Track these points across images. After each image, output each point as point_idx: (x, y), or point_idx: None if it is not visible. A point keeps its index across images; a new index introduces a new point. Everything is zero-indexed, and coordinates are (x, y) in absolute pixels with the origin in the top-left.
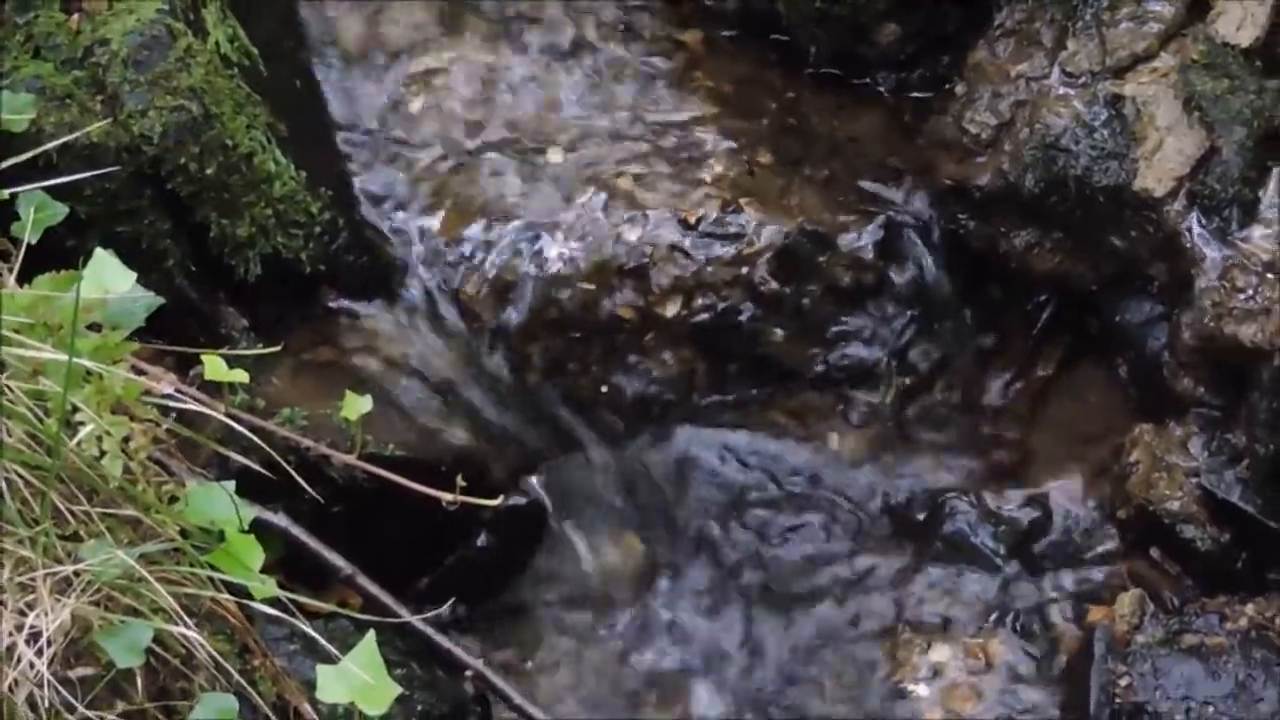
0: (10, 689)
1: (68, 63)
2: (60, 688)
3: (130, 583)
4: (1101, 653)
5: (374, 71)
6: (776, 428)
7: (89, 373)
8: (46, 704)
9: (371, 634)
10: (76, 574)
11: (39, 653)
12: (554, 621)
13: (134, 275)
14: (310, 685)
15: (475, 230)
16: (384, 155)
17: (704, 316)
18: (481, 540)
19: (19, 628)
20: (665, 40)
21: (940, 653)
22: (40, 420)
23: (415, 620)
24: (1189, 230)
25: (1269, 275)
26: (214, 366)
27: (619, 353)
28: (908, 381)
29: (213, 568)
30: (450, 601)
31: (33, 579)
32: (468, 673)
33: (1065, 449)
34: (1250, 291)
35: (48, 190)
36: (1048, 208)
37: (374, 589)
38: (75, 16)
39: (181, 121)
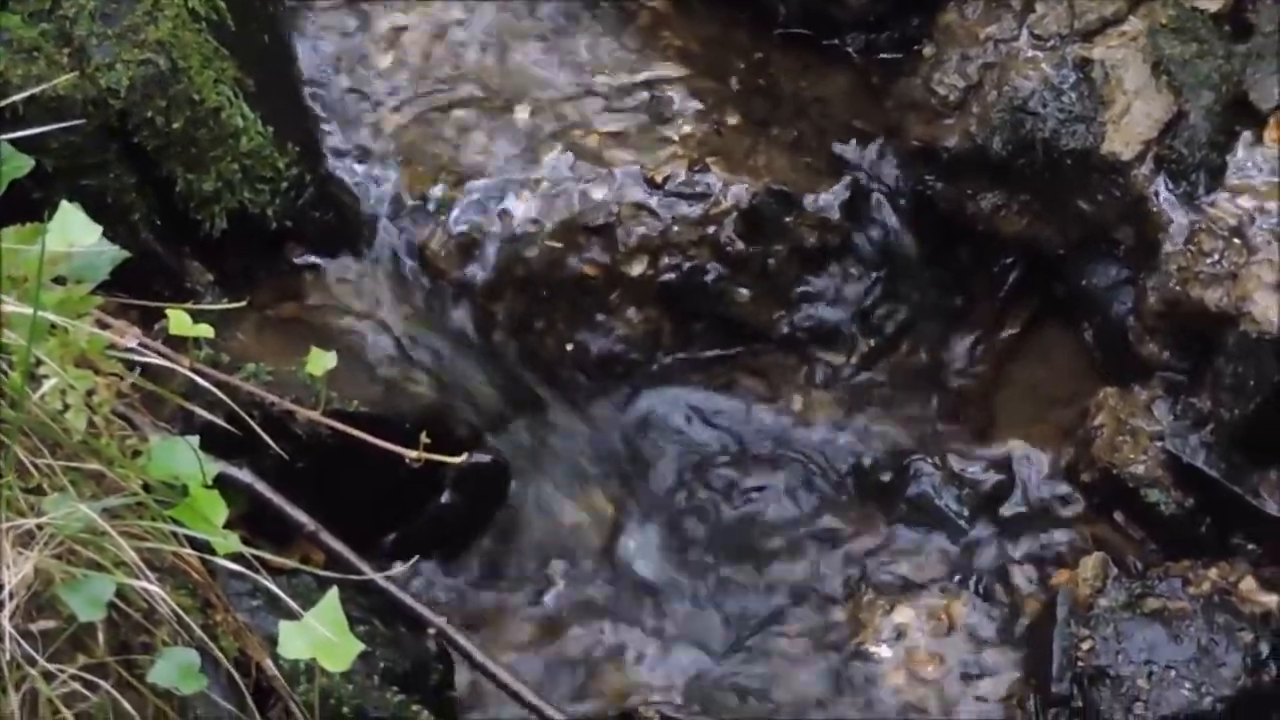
0: None
1: (35, 15)
2: (21, 640)
3: (93, 536)
4: (1064, 616)
5: (342, 27)
6: (741, 388)
7: (53, 326)
8: (8, 656)
9: (334, 590)
10: (39, 527)
11: (0, 606)
12: (517, 579)
13: (99, 229)
14: (272, 641)
15: (442, 187)
16: (351, 111)
17: (670, 276)
18: (445, 497)
19: None
20: None
21: (903, 614)
22: (4, 373)
23: (378, 577)
24: (1156, 194)
25: (1235, 240)
26: (179, 321)
27: (584, 311)
28: (873, 343)
29: (176, 522)
30: (414, 559)
31: None
32: (430, 630)
33: (1030, 412)
34: (1216, 256)
35: (14, 143)
36: (1015, 170)
37: (337, 545)
38: None
39: (149, 75)
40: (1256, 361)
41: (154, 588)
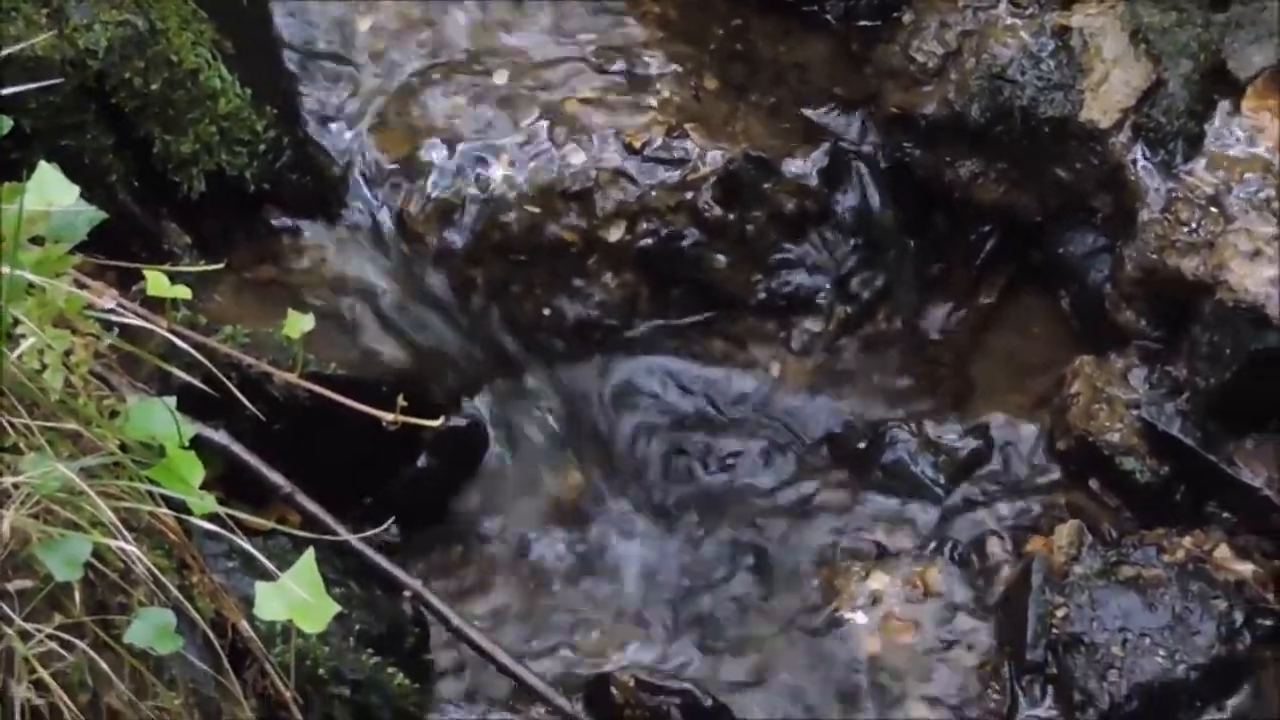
0: None
1: None
2: None
3: (70, 496)
4: (1039, 583)
5: None
6: (718, 354)
7: (31, 285)
8: None
9: (310, 551)
10: (16, 486)
11: None
12: (493, 544)
13: (77, 189)
14: (248, 602)
15: (420, 151)
16: (330, 75)
17: (647, 241)
18: (422, 461)
19: None
20: None
21: (878, 581)
22: None
23: (354, 539)
24: (1134, 163)
25: (1212, 209)
26: (156, 282)
27: (562, 276)
28: (850, 310)
29: (152, 483)
30: (389, 521)
31: None
32: (406, 593)
33: (1006, 380)
34: (1193, 225)
35: None
36: (993, 138)
37: (313, 507)
38: None
39: (127, 36)
40: (1232, 330)
41: (131, 548)
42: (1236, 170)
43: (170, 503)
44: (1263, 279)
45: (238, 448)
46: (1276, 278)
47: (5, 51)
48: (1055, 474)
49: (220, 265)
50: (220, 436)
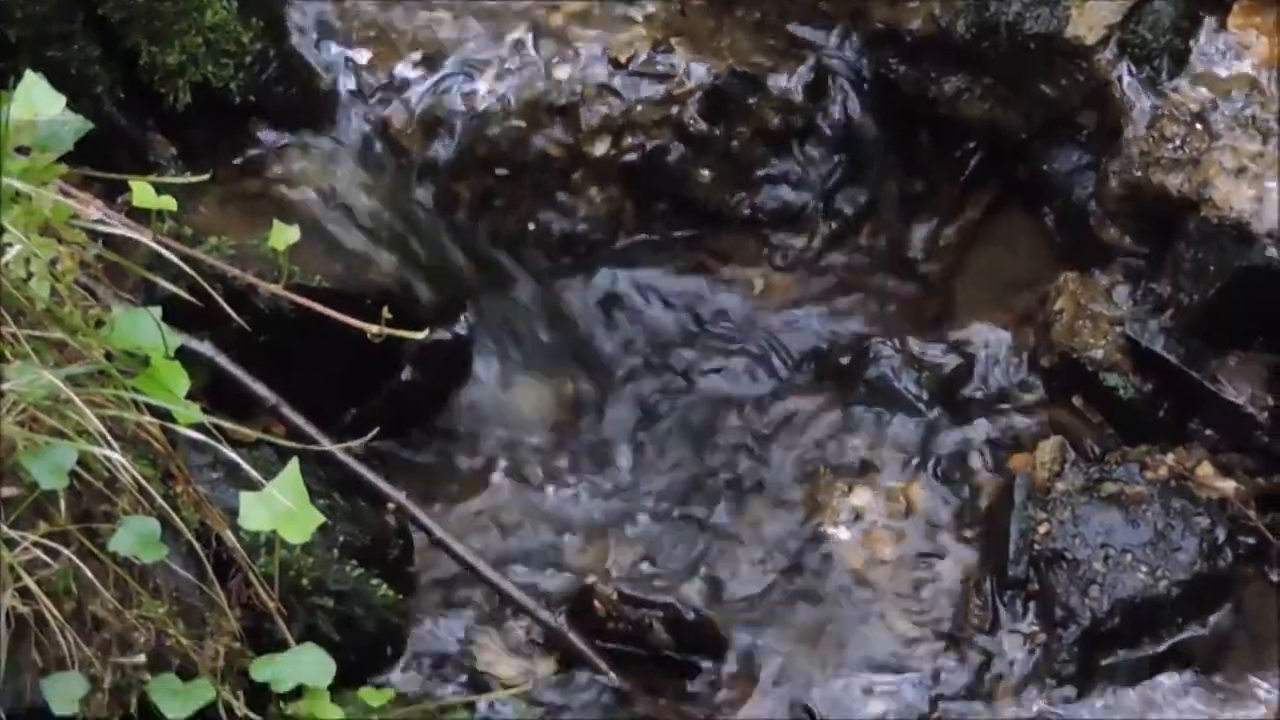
0: None
1: None
2: None
3: (56, 404)
4: (1021, 499)
5: None
6: (702, 269)
7: (17, 193)
8: None
9: (295, 461)
10: (2, 394)
11: None
12: (477, 456)
13: (63, 99)
14: (233, 514)
15: (405, 65)
16: None
17: (632, 156)
18: (406, 374)
19: None
20: None
21: (861, 497)
22: None
23: (337, 450)
24: (1119, 79)
25: (1197, 125)
26: (142, 193)
27: (547, 191)
28: (834, 226)
29: (138, 392)
30: (373, 433)
31: None
32: (390, 505)
33: (990, 296)
34: (1178, 141)
35: None
36: (979, 54)
37: (298, 419)
38: None
39: None
40: (1217, 247)
41: (116, 456)
42: (1222, 87)
43: (155, 412)
44: (1247, 196)
45: (223, 359)
46: (1261, 195)
47: None
48: (1038, 390)
49: (206, 177)
50: (205, 348)
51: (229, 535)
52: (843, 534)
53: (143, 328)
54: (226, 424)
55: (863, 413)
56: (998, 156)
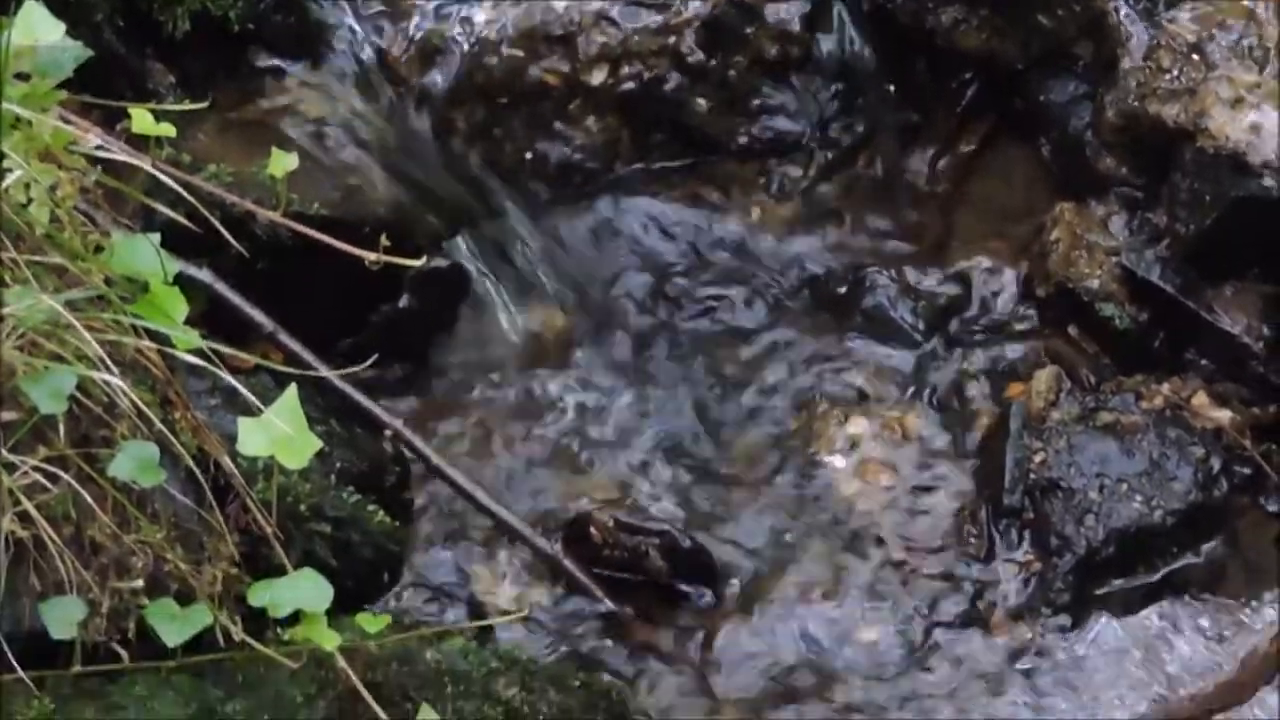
0: None
1: None
2: None
3: (55, 329)
4: (1017, 428)
5: None
6: (699, 198)
7: (17, 119)
8: None
9: (293, 386)
10: (1, 319)
11: None
12: (474, 385)
13: (62, 26)
14: (231, 439)
15: None
16: None
17: (630, 85)
18: (403, 302)
19: None
20: None
21: (857, 425)
22: None
23: (335, 377)
24: (1116, 10)
25: (1194, 56)
26: (141, 120)
27: (544, 120)
28: (830, 155)
29: (137, 318)
30: (371, 360)
31: None
32: (387, 432)
33: (986, 226)
34: (1175, 72)
35: None
36: None
37: (295, 346)
38: None
39: None
40: (1213, 177)
41: (115, 381)
42: (1218, 18)
43: (154, 338)
44: (1243, 126)
45: (221, 286)
46: (1257, 125)
47: None
48: (1034, 320)
49: (204, 104)
50: (204, 274)
51: (227, 461)
52: (838, 462)
53: (142, 254)
54: (225, 350)
55: (859, 342)
56: (994, 87)
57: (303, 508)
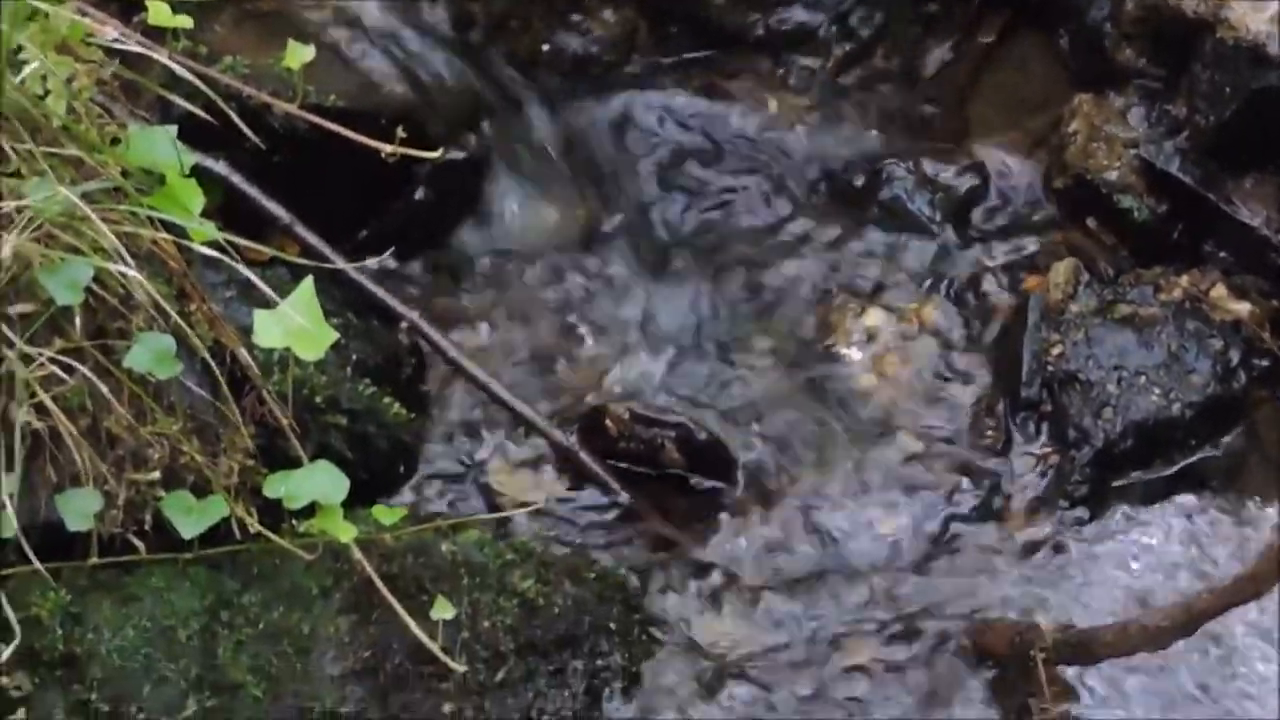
0: None
1: None
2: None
3: (71, 220)
4: (1035, 320)
5: None
6: (716, 91)
7: (34, 11)
8: None
9: (309, 278)
10: (19, 210)
11: None
12: (490, 277)
13: None
14: (247, 332)
15: None
16: None
17: None
18: (420, 194)
19: None
20: None
21: (874, 317)
22: None
23: (350, 269)
24: None
25: None
26: (158, 11)
27: (561, 11)
28: (848, 47)
29: (153, 210)
30: (387, 252)
31: None
32: (403, 324)
33: (1004, 118)
34: None
35: None
36: None
37: (312, 238)
38: None
39: None
40: (1233, 69)
41: (131, 272)
42: None
43: (171, 230)
44: (1264, 17)
45: (237, 178)
46: (1277, 16)
47: None
48: (1052, 212)
49: None
50: (220, 167)
51: (243, 353)
52: (855, 354)
53: (158, 146)
54: (241, 242)
55: (876, 234)
56: None
57: (318, 400)
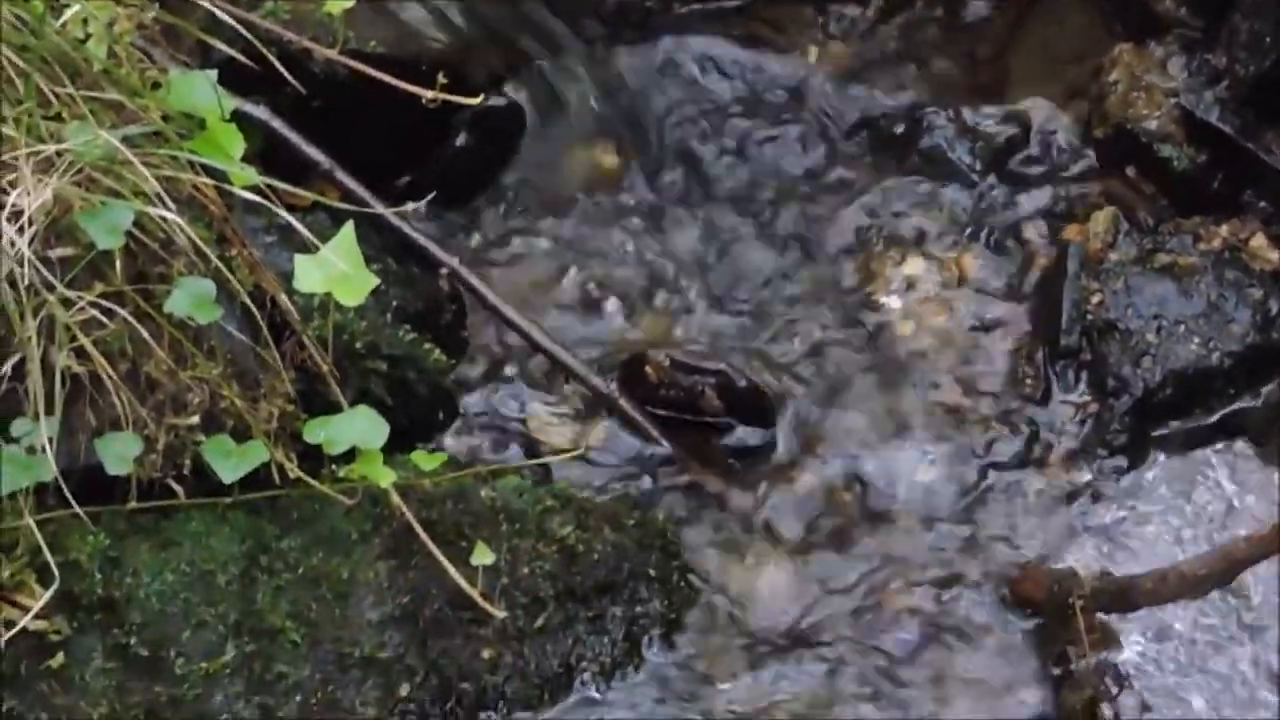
0: None
1: None
2: (40, 267)
3: (112, 165)
4: (1074, 269)
5: None
6: (757, 38)
7: None
8: (26, 281)
9: (350, 224)
10: (59, 154)
11: (20, 231)
12: (530, 223)
13: None
14: (287, 277)
15: None
16: None
17: None
18: (460, 140)
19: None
20: None
21: (913, 266)
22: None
23: (391, 215)
24: None
25: None
26: None
27: None
28: None
29: (194, 155)
30: (428, 198)
31: (15, 158)
32: (443, 270)
33: (1044, 68)
34: None
35: None
36: None
37: (352, 183)
38: None
39: None
40: (1273, 17)
41: (172, 216)
42: None
43: (211, 174)
44: None
45: (278, 123)
46: None
47: None
48: (1092, 161)
49: None
50: (260, 111)
51: (283, 298)
52: (894, 302)
53: (199, 90)
54: (282, 186)
55: (916, 182)
56: None
57: (359, 345)
